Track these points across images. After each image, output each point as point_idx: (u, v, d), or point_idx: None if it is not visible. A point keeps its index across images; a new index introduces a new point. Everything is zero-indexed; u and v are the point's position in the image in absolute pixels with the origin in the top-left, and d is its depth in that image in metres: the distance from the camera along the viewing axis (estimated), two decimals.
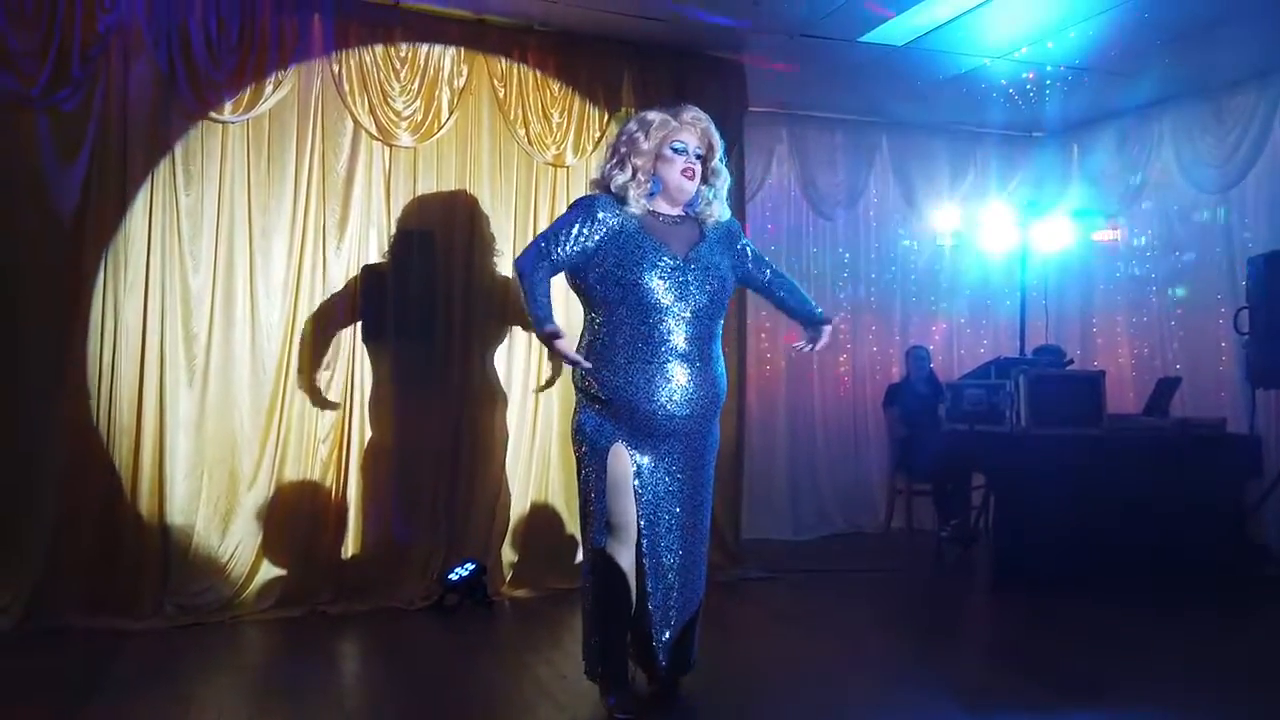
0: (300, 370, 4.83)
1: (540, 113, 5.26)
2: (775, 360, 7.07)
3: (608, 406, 3.19)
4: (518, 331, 5.23)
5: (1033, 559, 5.12)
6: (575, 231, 3.18)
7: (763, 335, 7.01)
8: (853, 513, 7.12)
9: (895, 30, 5.34)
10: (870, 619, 4.80)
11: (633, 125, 3.32)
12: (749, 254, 3.49)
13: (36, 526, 4.33)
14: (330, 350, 4.89)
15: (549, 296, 3.19)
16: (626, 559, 3.22)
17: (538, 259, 3.18)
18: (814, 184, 7.05)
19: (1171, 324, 6.68)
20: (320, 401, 4.84)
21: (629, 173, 3.24)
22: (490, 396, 5.16)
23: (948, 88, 6.27)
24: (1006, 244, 6.92)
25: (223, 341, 4.71)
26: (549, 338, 3.12)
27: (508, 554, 5.18)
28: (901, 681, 3.77)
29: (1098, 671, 3.87)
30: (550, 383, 5.28)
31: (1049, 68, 5.90)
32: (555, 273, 3.22)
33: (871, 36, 5.42)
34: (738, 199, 5.66)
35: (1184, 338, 6.61)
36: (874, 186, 7.29)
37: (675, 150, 3.27)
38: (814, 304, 3.61)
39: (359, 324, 4.94)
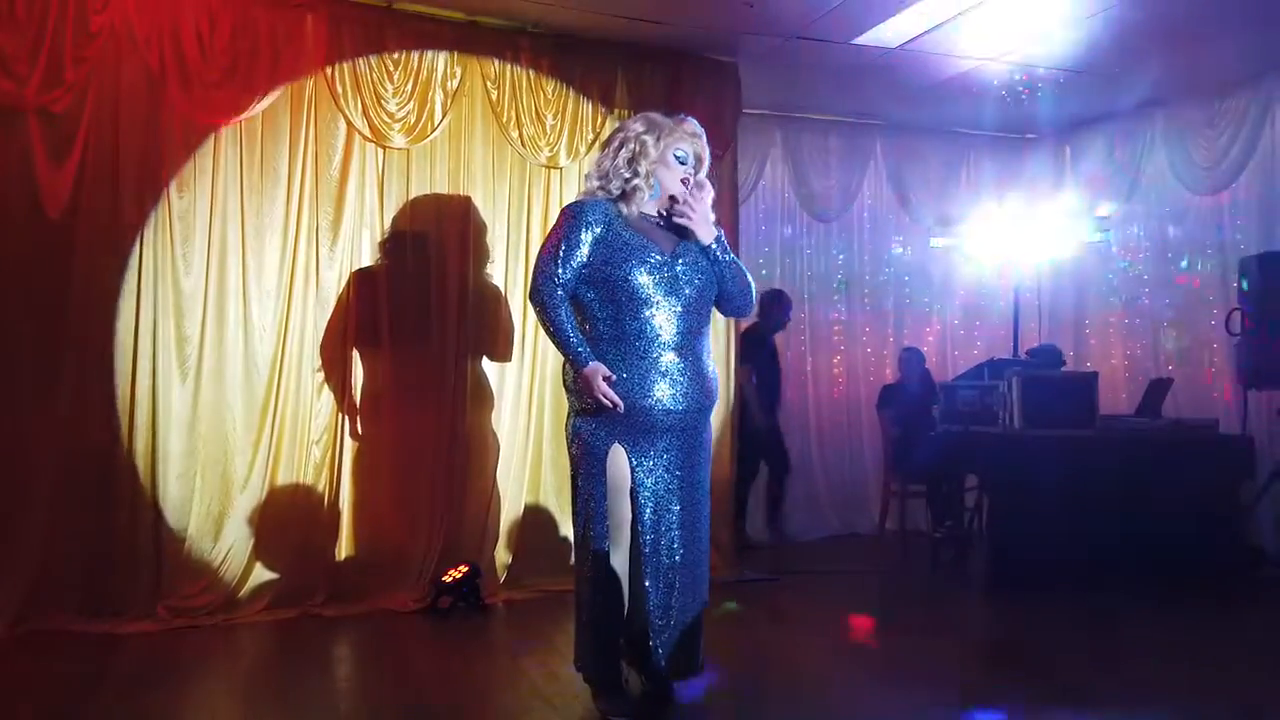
0: (293, 372, 4.81)
1: (534, 115, 5.26)
2: None
3: (603, 408, 3.17)
4: (511, 333, 5.23)
5: (1027, 560, 5.13)
6: (574, 243, 3.15)
7: None
8: (847, 514, 7.12)
9: (889, 32, 5.35)
10: (865, 620, 4.80)
11: (640, 126, 3.28)
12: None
13: (28, 530, 4.31)
14: (323, 352, 4.88)
15: (576, 327, 3.16)
16: (620, 560, 3.22)
17: (553, 288, 3.14)
18: (808, 186, 7.05)
19: (1164, 325, 6.70)
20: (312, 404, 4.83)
21: (641, 175, 3.23)
22: (483, 398, 5.16)
23: (941, 90, 6.28)
24: (999, 246, 6.94)
25: (215, 343, 4.69)
26: (596, 377, 3.08)
27: (501, 556, 5.16)
28: (897, 682, 3.77)
29: (1092, 671, 3.87)
30: None
31: (1042, 70, 5.91)
32: (569, 294, 3.18)
33: (866, 39, 5.43)
34: (731, 202, 5.67)
35: (1176, 339, 6.62)
36: (868, 189, 7.30)
37: (678, 159, 3.27)
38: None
39: (352, 326, 4.93)
